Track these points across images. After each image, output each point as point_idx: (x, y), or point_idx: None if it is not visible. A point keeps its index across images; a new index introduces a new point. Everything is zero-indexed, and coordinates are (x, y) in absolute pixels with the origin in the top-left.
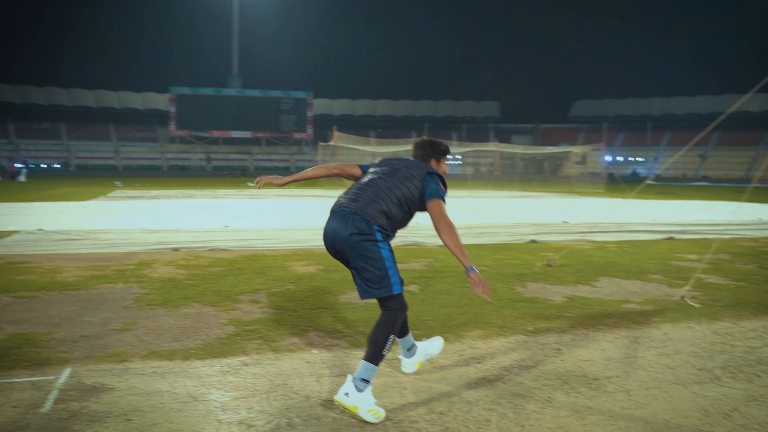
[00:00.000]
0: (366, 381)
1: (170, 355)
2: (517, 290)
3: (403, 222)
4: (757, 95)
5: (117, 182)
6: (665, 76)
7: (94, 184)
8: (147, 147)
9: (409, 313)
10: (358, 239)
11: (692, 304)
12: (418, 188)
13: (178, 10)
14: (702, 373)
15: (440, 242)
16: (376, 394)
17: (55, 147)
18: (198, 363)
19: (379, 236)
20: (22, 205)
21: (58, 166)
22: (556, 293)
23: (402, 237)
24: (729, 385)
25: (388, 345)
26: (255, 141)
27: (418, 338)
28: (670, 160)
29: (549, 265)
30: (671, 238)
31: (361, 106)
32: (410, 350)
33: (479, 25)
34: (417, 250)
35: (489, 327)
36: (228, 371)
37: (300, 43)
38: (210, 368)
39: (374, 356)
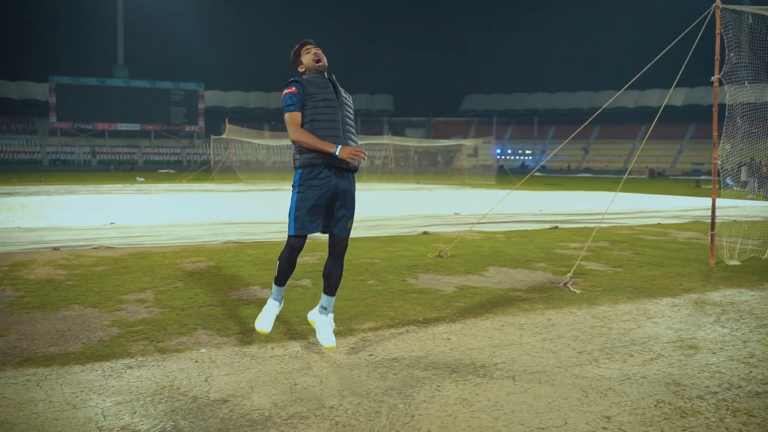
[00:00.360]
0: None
1: (46, 361)
2: (409, 281)
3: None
4: (632, 91)
5: None
6: (550, 72)
7: None
8: (24, 140)
9: (300, 308)
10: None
11: (573, 290)
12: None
13: None
14: (582, 355)
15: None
16: (266, 392)
17: None
18: (77, 368)
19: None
20: None
21: None
22: (447, 283)
23: None
24: (605, 366)
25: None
26: (144, 134)
27: (306, 336)
28: (553, 152)
29: (440, 256)
30: (556, 228)
31: (254, 99)
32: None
33: (373, 18)
34: (309, 243)
35: (380, 319)
36: (110, 375)
37: (190, 32)
38: (91, 373)
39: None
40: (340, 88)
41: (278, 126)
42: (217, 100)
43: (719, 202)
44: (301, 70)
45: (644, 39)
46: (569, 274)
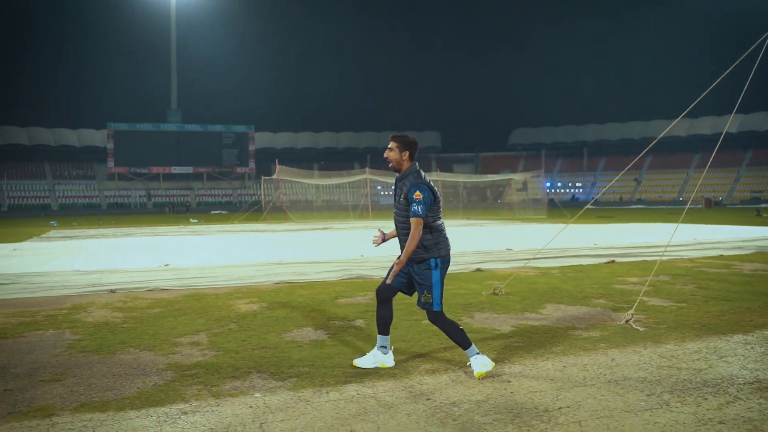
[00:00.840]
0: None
1: (103, 407)
2: (464, 320)
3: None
4: (684, 120)
5: (52, 222)
6: (598, 103)
7: (27, 224)
8: (84, 185)
9: (354, 350)
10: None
11: (637, 327)
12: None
13: (115, 44)
14: (651, 398)
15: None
16: None
17: None
18: (133, 413)
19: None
20: None
21: None
22: (504, 322)
23: (346, 270)
24: (678, 410)
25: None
26: (197, 176)
27: (362, 379)
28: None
29: (495, 294)
30: (613, 262)
31: (303, 139)
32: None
33: (419, 57)
34: (362, 283)
35: (437, 361)
36: (165, 421)
37: (240, 76)
38: (146, 419)
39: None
40: (401, 188)
41: (327, 165)
42: (266, 142)
43: None
44: (404, 155)
45: (693, 66)
46: (631, 311)
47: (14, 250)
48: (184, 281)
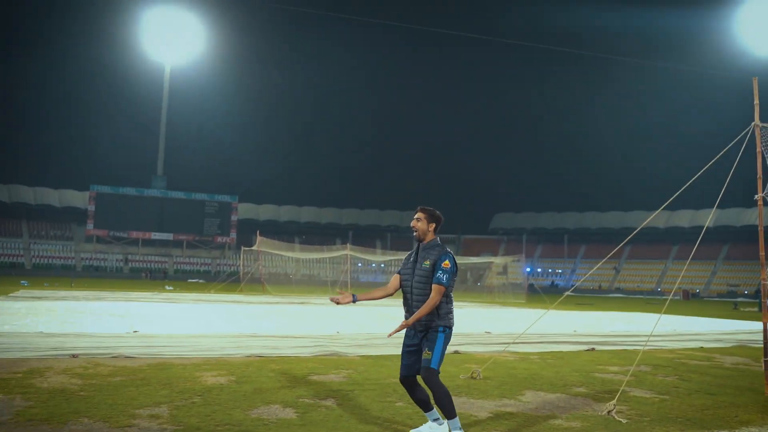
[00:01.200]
0: None
1: None
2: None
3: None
4: (663, 213)
5: (23, 281)
6: (579, 191)
7: None
8: (61, 245)
9: (323, 431)
10: None
11: (619, 419)
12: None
13: (102, 106)
14: None
15: (362, 352)
16: None
17: None
18: None
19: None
20: None
21: None
22: (481, 408)
23: (321, 346)
24: None
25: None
26: (176, 243)
27: None
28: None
29: (473, 378)
30: (593, 349)
31: (286, 212)
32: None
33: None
34: (337, 360)
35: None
36: None
37: (226, 147)
38: None
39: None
40: (425, 256)
41: (308, 240)
42: (249, 213)
43: (755, 326)
44: (431, 226)
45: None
46: (613, 402)
47: None
48: (151, 349)
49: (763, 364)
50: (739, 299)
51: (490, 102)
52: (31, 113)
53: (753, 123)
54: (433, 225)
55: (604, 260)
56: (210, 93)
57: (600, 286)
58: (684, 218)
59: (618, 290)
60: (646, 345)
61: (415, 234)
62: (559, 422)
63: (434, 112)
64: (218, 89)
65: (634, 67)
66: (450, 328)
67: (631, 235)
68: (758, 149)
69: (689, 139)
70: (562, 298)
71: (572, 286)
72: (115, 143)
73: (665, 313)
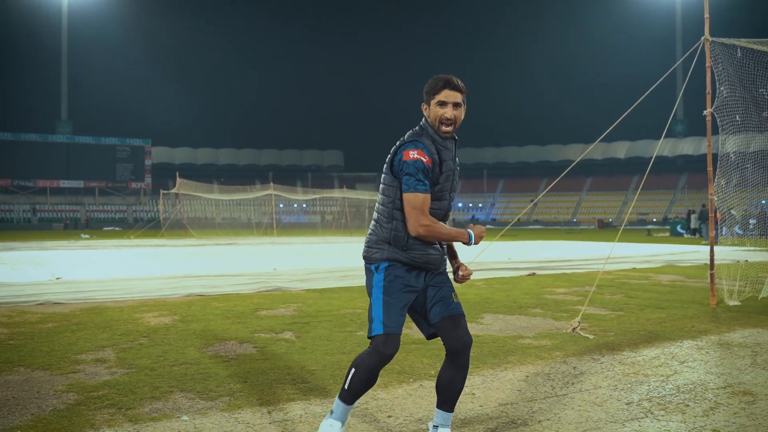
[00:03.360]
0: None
1: None
2: (404, 332)
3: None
4: (577, 145)
5: None
6: (497, 127)
7: None
8: None
9: (289, 364)
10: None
11: (586, 335)
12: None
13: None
14: (631, 407)
15: (305, 287)
16: None
17: None
18: None
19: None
20: None
21: None
22: None
23: (262, 282)
24: (665, 419)
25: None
26: (88, 191)
27: (307, 395)
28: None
29: None
30: (533, 274)
31: (203, 155)
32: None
33: (322, 75)
34: (282, 295)
35: (388, 373)
36: None
37: (137, 88)
38: None
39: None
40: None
41: (228, 182)
42: (164, 157)
43: (673, 248)
44: (425, 113)
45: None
46: (577, 319)
47: None
48: (80, 294)
49: (708, 278)
50: (650, 226)
51: (408, 34)
52: None
53: (703, 37)
54: None
55: (542, 194)
56: (115, 31)
57: (519, 219)
58: (597, 151)
59: (536, 222)
60: (578, 268)
61: (449, 128)
62: (528, 341)
63: (343, 48)
64: (124, 26)
65: None
66: None
67: (568, 169)
68: (707, 63)
69: (601, 79)
70: (505, 230)
71: (492, 219)
72: (14, 86)
73: (586, 240)
